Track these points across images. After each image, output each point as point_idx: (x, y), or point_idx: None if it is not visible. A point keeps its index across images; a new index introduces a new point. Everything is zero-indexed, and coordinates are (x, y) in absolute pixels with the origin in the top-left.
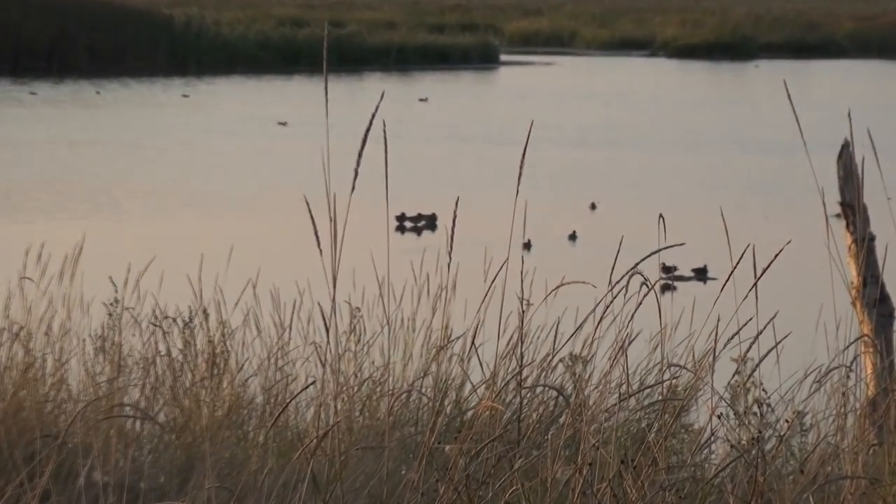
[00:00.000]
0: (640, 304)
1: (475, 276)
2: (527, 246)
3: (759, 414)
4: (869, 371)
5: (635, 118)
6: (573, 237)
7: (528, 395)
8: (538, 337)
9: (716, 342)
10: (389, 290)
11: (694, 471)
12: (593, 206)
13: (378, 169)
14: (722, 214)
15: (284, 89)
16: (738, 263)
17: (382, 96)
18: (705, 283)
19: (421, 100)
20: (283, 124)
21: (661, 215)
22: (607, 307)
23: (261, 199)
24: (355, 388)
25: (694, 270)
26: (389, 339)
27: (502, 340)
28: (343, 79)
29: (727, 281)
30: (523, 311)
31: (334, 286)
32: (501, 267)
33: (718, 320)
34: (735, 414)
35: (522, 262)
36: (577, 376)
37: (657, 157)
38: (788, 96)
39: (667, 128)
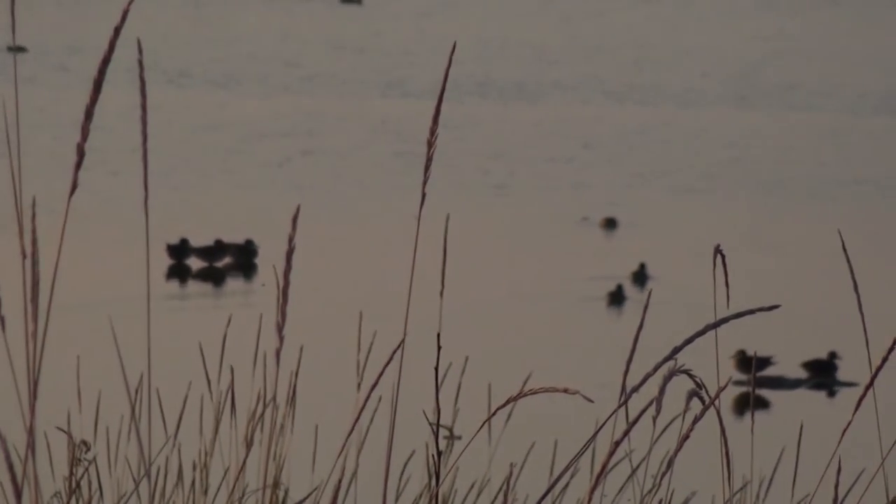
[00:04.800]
0: (688, 436)
1: (339, 377)
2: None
3: None
4: None
5: (682, 39)
6: (618, 298)
7: None
8: None
9: None
10: (150, 408)
11: None
12: (585, 220)
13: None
14: (845, 249)
15: None
16: (889, 354)
17: None
18: (831, 392)
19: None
20: (19, 50)
21: (717, 249)
22: (617, 443)
23: None
24: None
25: (806, 366)
26: None
27: None
28: None
29: (868, 389)
30: (439, 454)
31: (34, 397)
32: (393, 354)
33: (860, 474)
34: None
35: (439, 345)
36: None
37: (717, 120)
38: None
39: (740, 72)
